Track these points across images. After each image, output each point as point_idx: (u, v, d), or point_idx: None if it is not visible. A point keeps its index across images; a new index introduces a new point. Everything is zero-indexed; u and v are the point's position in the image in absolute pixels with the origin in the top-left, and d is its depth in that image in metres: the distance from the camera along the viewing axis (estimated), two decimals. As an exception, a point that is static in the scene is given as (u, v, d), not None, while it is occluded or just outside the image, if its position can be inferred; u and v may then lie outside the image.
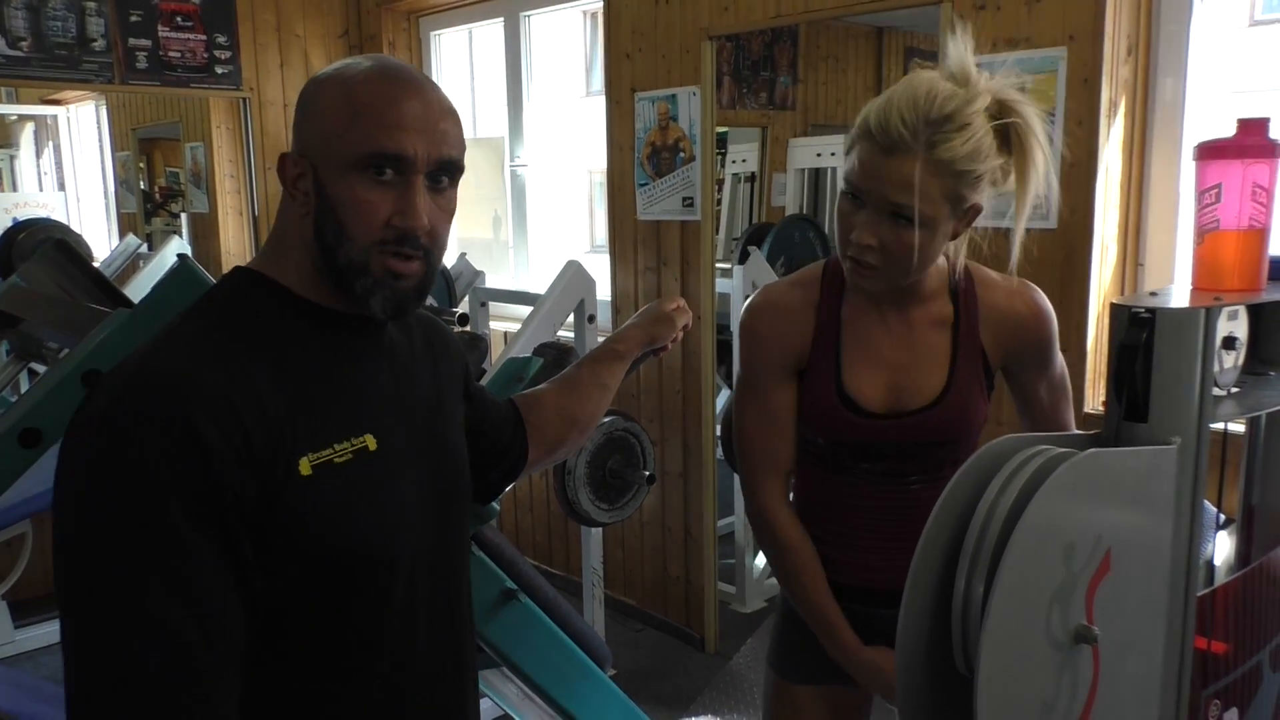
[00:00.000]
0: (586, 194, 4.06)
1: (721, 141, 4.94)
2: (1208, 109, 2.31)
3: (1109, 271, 2.39)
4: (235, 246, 5.01)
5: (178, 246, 5.20)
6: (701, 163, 3.19)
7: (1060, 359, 1.49)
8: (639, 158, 3.37)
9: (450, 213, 0.99)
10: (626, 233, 3.48)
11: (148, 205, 6.27)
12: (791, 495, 1.49)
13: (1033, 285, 1.45)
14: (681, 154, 3.23)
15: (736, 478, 3.58)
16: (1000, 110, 1.24)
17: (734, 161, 5.19)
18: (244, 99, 4.45)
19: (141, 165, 6.21)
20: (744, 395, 1.45)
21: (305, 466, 0.90)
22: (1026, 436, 1.06)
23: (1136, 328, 1.10)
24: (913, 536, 1.36)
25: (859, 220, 1.25)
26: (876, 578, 1.42)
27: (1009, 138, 1.26)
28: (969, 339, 1.38)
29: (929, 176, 1.19)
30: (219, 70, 4.31)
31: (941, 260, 1.38)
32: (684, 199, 3.26)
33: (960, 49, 1.25)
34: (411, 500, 1.01)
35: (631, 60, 3.34)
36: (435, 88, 0.98)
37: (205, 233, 5.35)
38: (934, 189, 1.20)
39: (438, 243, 0.98)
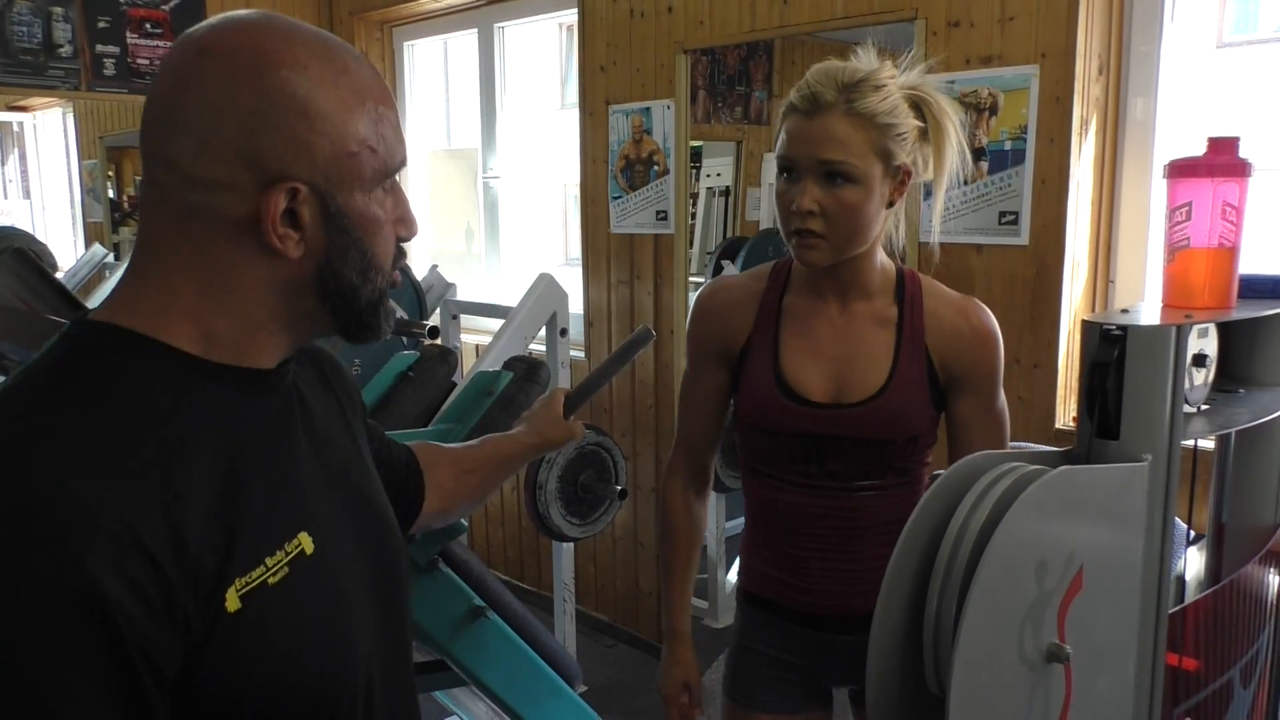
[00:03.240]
0: (560, 207, 4.05)
1: (696, 155, 4.94)
2: (1178, 129, 2.33)
3: (1080, 288, 2.41)
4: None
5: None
6: (675, 176, 3.18)
7: (1002, 397, 1.44)
8: (612, 170, 3.36)
9: None
10: (599, 246, 3.46)
11: (115, 214, 6.18)
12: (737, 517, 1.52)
13: (983, 305, 1.43)
14: (655, 167, 3.23)
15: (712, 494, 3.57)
16: (910, 89, 1.33)
17: (708, 175, 5.20)
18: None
19: (110, 174, 6.13)
20: (684, 383, 1.52)
21: (233, 599, 0.68)
22: (998, 454, 1.05)
23: (1108, 345, 1.10)
24: (857, 558, 1.38)
25: (795, 191, 1.28)
26: (827, 604, 1.42)
27: (922, 114, 1.33)
28: (912, 341, 1.36)
29: (852, 130, 1.25)
30: (189, 78, 4.26)
31: (886, 261, 1.40)
32: (658, 212, 3.25)
33: (870, 54, 1.33)
34: (360, 604, 0.82)
35: (606, 73, 3.33)
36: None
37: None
38: (860, 142, 1.25)
39: None
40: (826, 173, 1.26)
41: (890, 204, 1.33)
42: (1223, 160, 1.20)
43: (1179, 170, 1.23)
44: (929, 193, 2.54)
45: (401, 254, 0.82)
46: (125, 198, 6.24)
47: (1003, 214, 2.43)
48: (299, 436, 0.81)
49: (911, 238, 2.62)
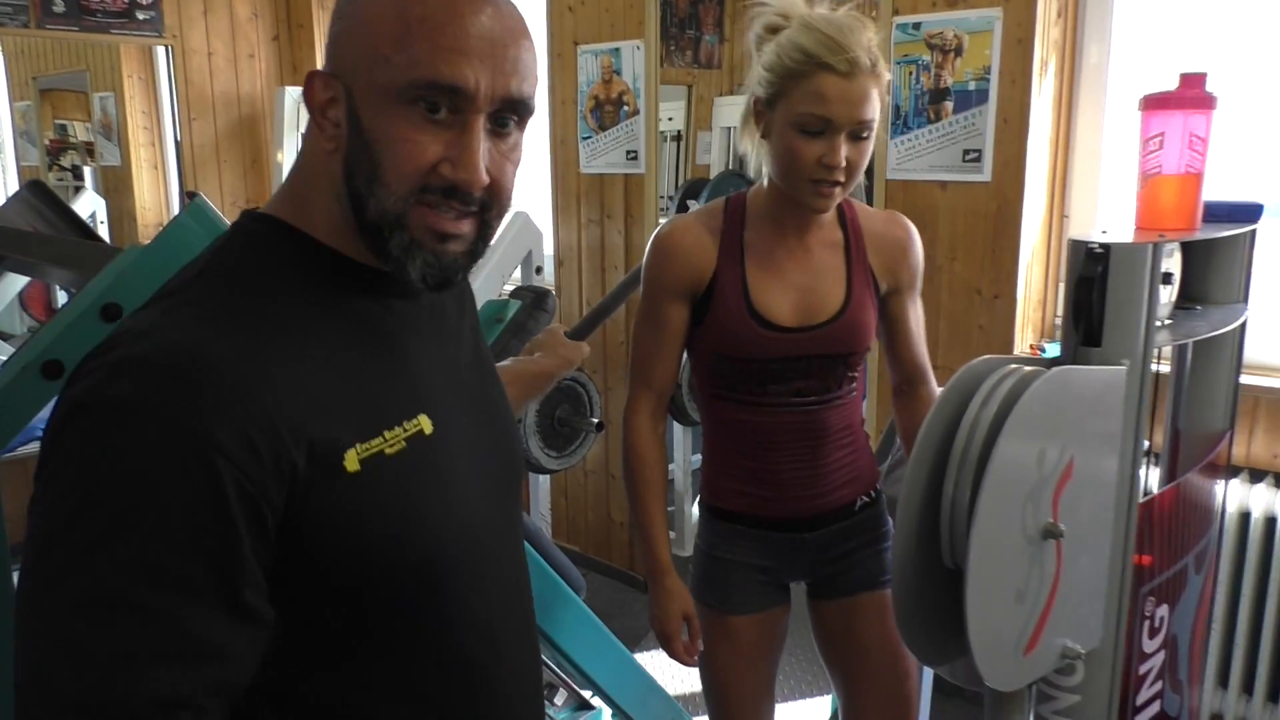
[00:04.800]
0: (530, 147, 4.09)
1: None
2: (1132, 71, 2.46)
3: (1037, 222, 2.55)
4: (150, 201, 4.87)
5: (90, 200, 5.03)
6: (646, 116, 3.25)
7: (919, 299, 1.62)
8: (582, 111, 3.41)
9: (516, 163, 0.81)
10: (569, 186, 3.52)
11: (48, 157, 6.02)
12: (702, 446, 1.61)
13: (903, 215, 1.59)
14: (625, 108, 3.28)
15: (677, 427, 3.69)
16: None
17: (661, 120, 5.25)
18: (167, 46, 4.33)
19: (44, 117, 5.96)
20: (641, 316, 1.54)
21: (353, 461, 0.75)
22: (999, 358, 1.17)
23: (1093, 261, 1.22)
24: (821, 462, 1.52)
25: (821, 147, 1.35)
26: (800, 509, 1.55)
27: None
28: (859, 259, 1.50)
29: (876, 89, 1.36)
30: (140, 16, 4.17)
31: None
32: (628, 152, 3.31)
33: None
34: (474, 488, 0.87)
35: (574, 13, 3.37)
36: (500, 4, 0.78)
37: (118, 187, 5.15)
38: (878, 98, 1.37)
39: (499, 198, 0.80)
40: (856, 131, 1.35)
41: None
42: (1192, 94, 1.32)
43: (1153, 103, 1.34)
44: (895, 131, 2.66)
45: (453, 195, 0.77)
46: (47, 140, 6.08)
47: (966, 152, 2.55)
48: (425, 333, 0.87)
49: (880, 175, 2.74)
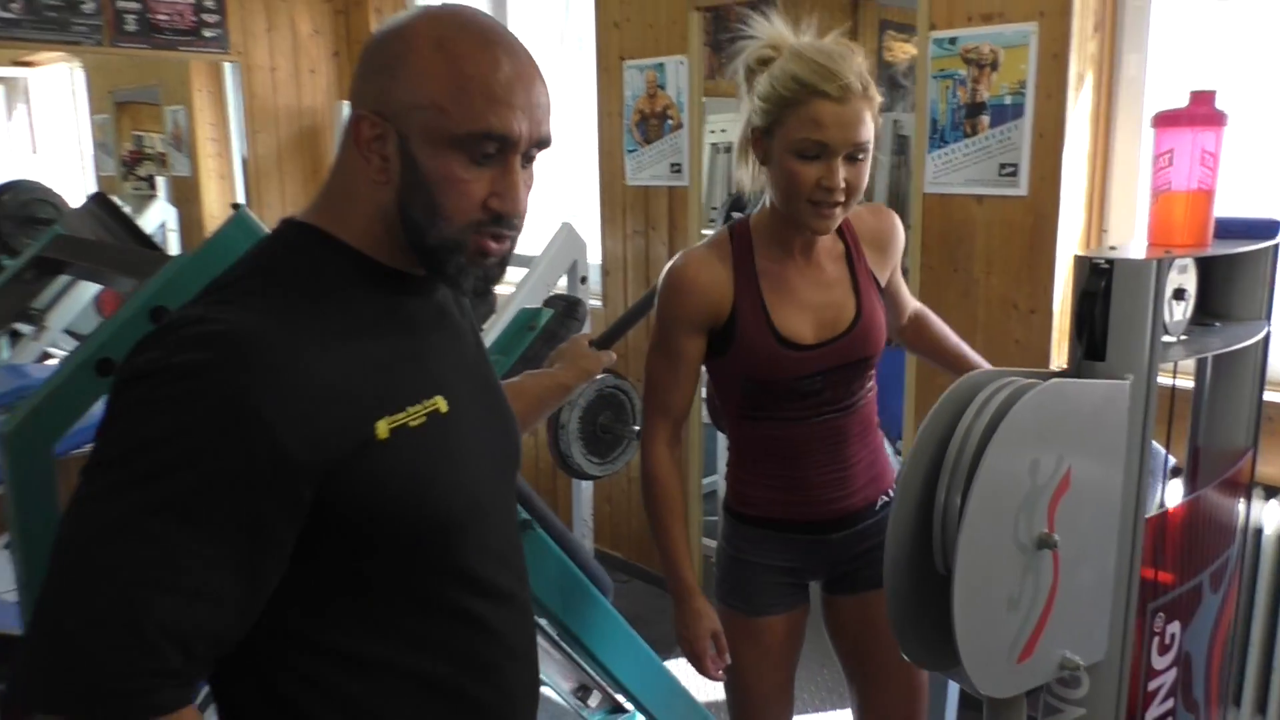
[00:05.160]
0: (578, 160, 4.17)
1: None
2: (1169, 82, 2.45)
3: (1075, 236, 2.54)
4: (217, 210, 5.04)
5: (161, 209, 5.23)
6: (689, 130, 3.30)
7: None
8: (628, 124, 3.48)
9: (531, 186, 0.94)
10: (615, 198, 3.59)
11: (123, 167, 6.27)
12: (728, 458, 1.68)
13: (880, 205, 1.68)
14: (669, 121, 3.34)
15: (721, 438, 3.72)
16: None
17: (712, 131, 5.30)
18: (233, 63, 4.50)
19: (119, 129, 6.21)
20: (655, 350, 1.59)
21: (383, 430, 0.86)
22: (996, 371, 1.20)
23: (1096, 276, 1.25)
24: (847, 465, 1.59)
25: (819, 170, 1.41)
26: (826, 509, 1.61)
27: None
28: (860, 263, 1.58)
29: (869, 111, 1.41)
30: (207, 34, 4.35)
31: None
32: (672, 165, 3.37)
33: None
34: (483, 462, 0.99)
35: (620, 29, 3.44)
36: (524, 48, 0.91)
37: (187, 196, 5.35)
38: (870, 120, 1.42)
39: (523, 219, 0.93)
40: (852, 153, 1.41)
41: None
42: (1202, 111, 1.34)
43: (1163, 120, 1.36)
44: (932, 145, 2.68)
45: (500, 223, 0.90)
46: (126, 152, 6.32)
47: (1003, 165, 2.56)
48: (437, 328, 0.99)
49: (917, 189, 2.76)
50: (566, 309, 1.84)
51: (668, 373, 1.58)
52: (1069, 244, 2.53)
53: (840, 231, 1.57)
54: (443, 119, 0.85)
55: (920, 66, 2.70)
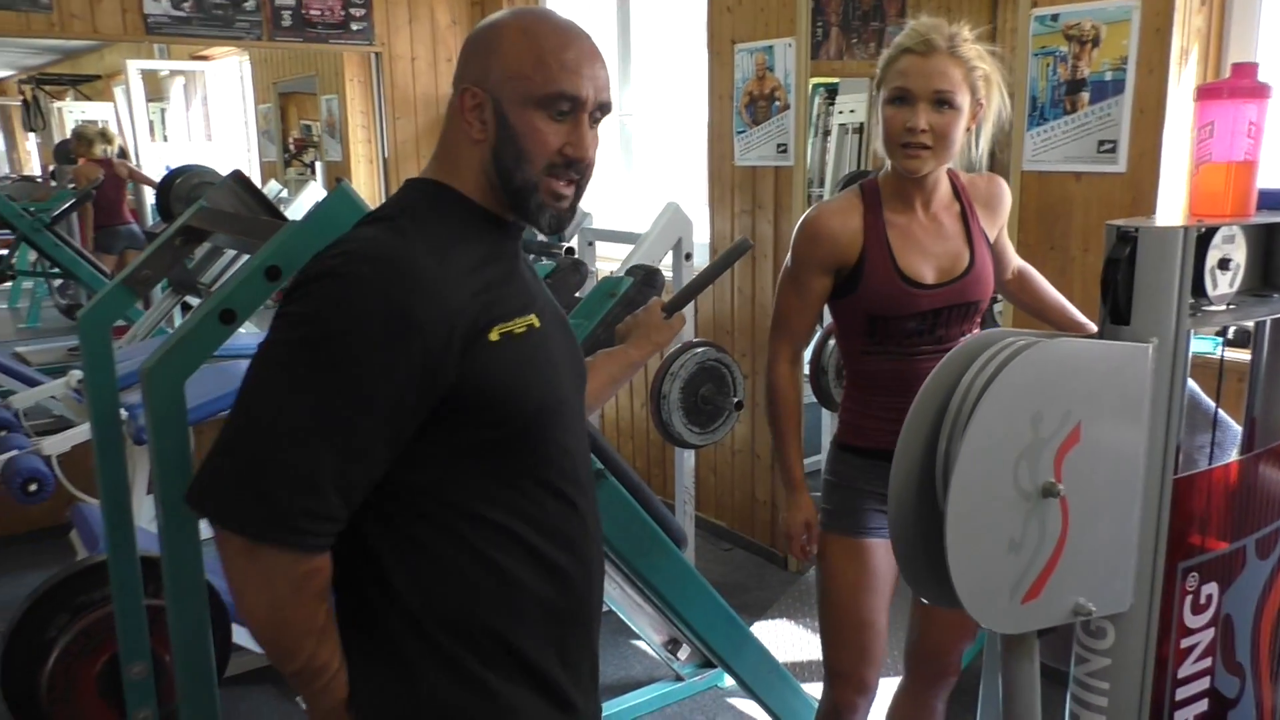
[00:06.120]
0: (687, 142, 4.30)
1: (832, 93, 5.06)
2: None
3: (1175, 214, 2.51)
4: (366, 192, 5.37)
5: (314, 191, 5.63)
6: (795, 111, 3.38)
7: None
8: (737, 106, 3.58)
9: (598, 144, 1.16)
10: (724, 178, 3.70)
11: (285, 154, 6.76)
12: (844, 386, 1.90)
13: (994, 174, 1.89)
14: (777, 103, 3.43)
15: (825, 414, 3.79)
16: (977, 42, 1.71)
17: (841, 112, 5.31)
18: (376, 54, 4.82)
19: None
20: (787, 283, 1.83)
21: (495, 334, 1.08)
22: (1013, 330, 1.27)
23: (1122, 243, 1.30)
24: None
25: (907, 115, 1.65)
26: None
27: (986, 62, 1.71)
28: (974, 220, 1.80)
29: (954, 68, 1.64)
30: (354, 26, 4.67)
31: (944, 173, 1.78)
32: (778, 145, 3.46)
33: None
34: (564, 374, 1.21)
35: (732, 13, 3.54)
36: (588, 36, 1.15)
37: (339, 180, 5.71)
38: (959, 77, 1.64)
39: (590, 170, 1.16)
40: (936, 100, 1.63)
41: (968, 128, 1.72)
42: (1245, 84, 1.36)
43: (1205, 93, 1.39)
44: (1031, 123, 2.69)
45: (570, 168, 1.13)
46: (291, 140, 6.79)
47: (1101, 143, 2.54)
48: (527, 270, 1.23)
49: (1016, 166, 2.77)
50: (645, 278, 1.98)
51: (796, 304, 1.82)
52: (1168, 222, 2.49)
53: (957, 193, 1.80)
54: (528, 84, 1.09)
55: (1020, 43, 2.70)
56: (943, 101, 1.64)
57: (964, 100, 1.66)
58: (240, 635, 2.61)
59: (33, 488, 3.05)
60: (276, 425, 1.00)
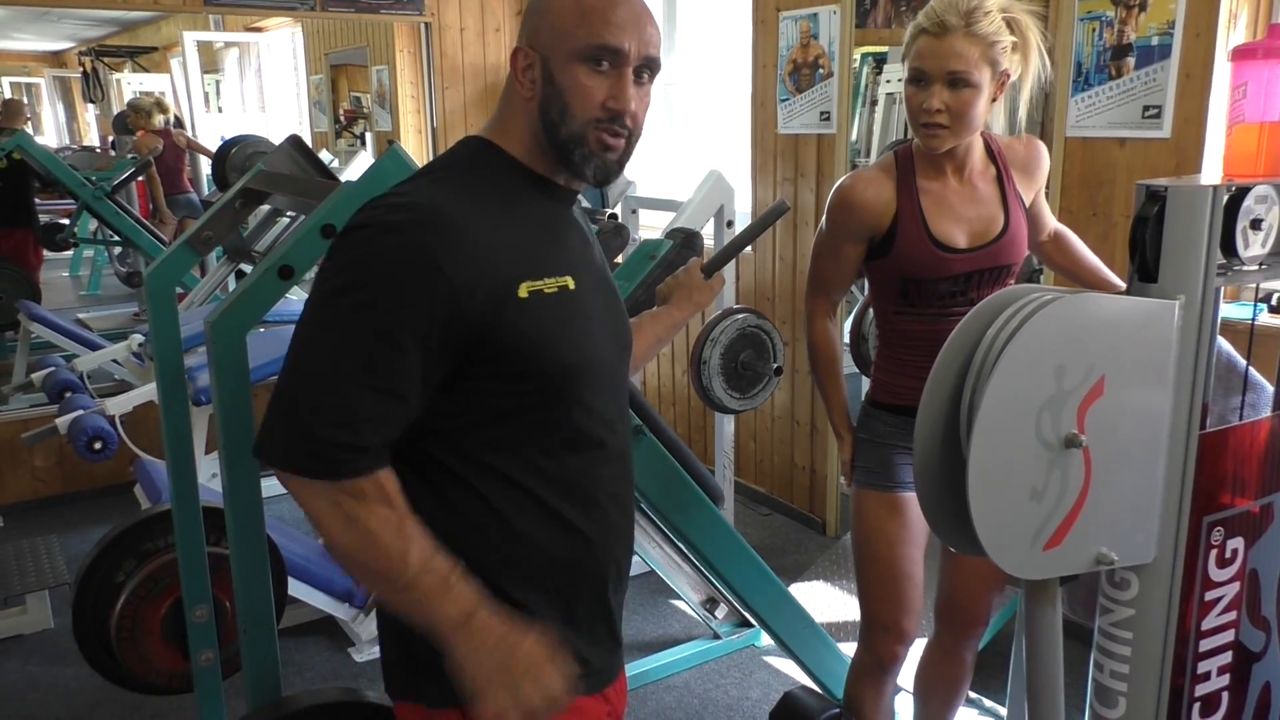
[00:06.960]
0: (730, 111, 4.32)
1: (880, 63, 5.03)
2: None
3: (1219, 180, 2.49)
4: (414, 161, 5.44)
5: (364, 160, 5.73)
6: (839, 79, 3.39)
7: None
8: (780, 75, 3.59)
9: (647, 104, 1.19)
10: (767, 146, 3.72)
11: (337, 125, 6.86)
12: (877, 345, 1.95)
13: (1029, 135, 1.91)
14: (821, 70, 3.44)
15: (864, 381, 3.82)
16: (1005, 12, 1.68)
17: (888, 81, 5.28)
18: (426, 24, 4.88)
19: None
20: (822, 247, 1.89)
21: (524, 291, 1.11)
22: (1040, 286, 1.31)
23: (1150, 202, 1.32)
24: None
25: (923, 95, 1.67)
26: None
27: (1014, 30, 1.71)
28: (1010, 185, 1.82)
29: (970, 47, 1.64)
30: (404, -3, 4.73)
31: (978, 137, 1.79)
32: (821, 113, 3.47)
33: None
34: (600, 338, 1.22)
35: (777, -19, 3.54)
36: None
37: (390, 141, 5.79)
38: (975, 55, 1.65)
39: (638, 126, 1.18)
40: (951, 80, 1.65)
41: (993, 99, 1.73)
42: (1278, 44, 1.37)
43: (1239, 54, 1.40)
44: (1075, 89, 2.68)
45: (615, 121, 1.15)
46: (342, 111, 6.90)
47: (1146, 108, 2.53)
48: (574, 235, 1.25)
49: (1059, 132, 2.76)
50: (685, 240, 2.02)
51: (831, 264, 1.89)
52: (1213, 187, 2.48)
53: (993, 156, 1.82)
54: (570, 39, 1.12)
55: (1065, 8, 2.69)
56: (957, 81, 1.65)
57: (982, 77, 1.66)
58: (296, 588, 2.73)
59: (98, 445, 3.20)
60: (314, 369, 1.07)
